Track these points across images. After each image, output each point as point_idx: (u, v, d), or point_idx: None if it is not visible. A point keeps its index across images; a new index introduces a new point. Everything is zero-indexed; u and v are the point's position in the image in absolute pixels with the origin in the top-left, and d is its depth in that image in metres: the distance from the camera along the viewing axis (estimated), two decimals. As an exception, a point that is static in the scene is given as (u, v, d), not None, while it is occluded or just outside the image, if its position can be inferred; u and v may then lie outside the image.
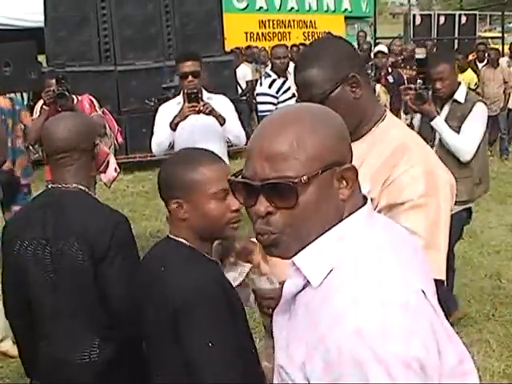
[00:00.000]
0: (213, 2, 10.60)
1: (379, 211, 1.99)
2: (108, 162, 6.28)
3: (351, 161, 1.37)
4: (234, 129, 4.92)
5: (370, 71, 8.96)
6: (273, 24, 18.69)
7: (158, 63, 9.96)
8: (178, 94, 5.15)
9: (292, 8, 19.19)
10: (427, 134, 4.29)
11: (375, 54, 9.11)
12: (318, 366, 1.22)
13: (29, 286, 2.51)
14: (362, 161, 2.01)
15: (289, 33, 18.83)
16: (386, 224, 1.43)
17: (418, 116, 4.84)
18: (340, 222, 1.33)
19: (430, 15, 21.83)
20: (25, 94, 11.04)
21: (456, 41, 20.28)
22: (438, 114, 4.50)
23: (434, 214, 2.06)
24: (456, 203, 4.20)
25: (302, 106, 1.47)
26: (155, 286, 2.03)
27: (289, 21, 19.01)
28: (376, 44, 14.14)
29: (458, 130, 4.44)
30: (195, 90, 4.66)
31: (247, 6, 18.18)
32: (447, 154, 4.32)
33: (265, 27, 18.52)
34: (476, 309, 5.32)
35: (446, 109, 4.56)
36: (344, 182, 1.33)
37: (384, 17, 44.60)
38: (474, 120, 4.47)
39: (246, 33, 17.82)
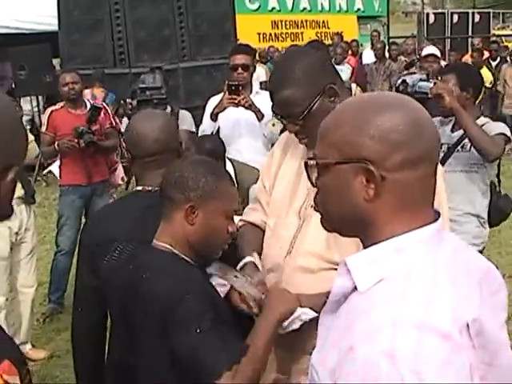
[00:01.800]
0: (225, 3, 10.58)
1: None
2: (116, 169, 6.36)
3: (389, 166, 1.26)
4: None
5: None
6: (285, 25, 18.70)
7: (172, 65, 9.95)
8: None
9: (304, 8, 19.19)
10: None
11: (424, 58, 8.08)
12: (343, 374, 1.19)
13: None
14: None
15: (301, 33, 18.82)
16: (455, 248, 1.34)
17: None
18: (364, 223, 1.30)
19: (444, 14, 21.76)
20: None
21: (470, 39, 20.19)
22: None
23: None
24: None
25: (364, 97, 1.42)
26: (137, 290, 2.00)
27: (301, 21, 19.02)
28: (390, 44, 14.08)
29: None
30: (236, 83, 4.68)
31: (259, 6, 18.20)
32: None
33: (277, 28, 18.53)
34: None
35: None
36: (368, 181, 1.27)
37: (396, 16, 44.41)
38: None
39: (259, 34, 17.83)
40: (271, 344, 2.01)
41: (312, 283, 2.22)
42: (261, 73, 12.25)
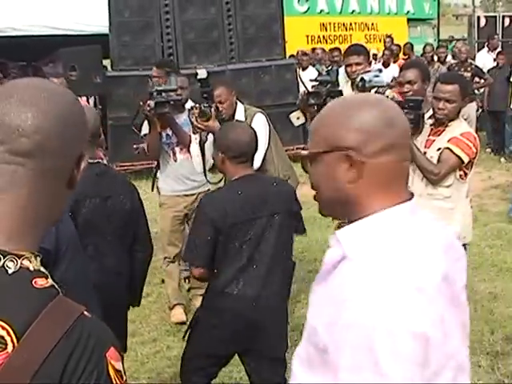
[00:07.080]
0: (274, 5, 10.61)
1: None
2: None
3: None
4: None
5: None
6: (334, 27, 18.63)
7: (220, 67, 10.02)
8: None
9: (353, 11, 19.09)
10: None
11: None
12: (337, 327, 1.37)
13: None
14: None
15: (350, 35, 18.72)
16: (426, 221, 1.58)
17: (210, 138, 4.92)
18: (350, 203, 1.51)
19: (495, 17, 21.38)
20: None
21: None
22: None
23: None
24: None
25: (346, 98, 1.72)
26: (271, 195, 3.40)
27: (350, 23, 18.91)
28: (439, 47, 13.91)
29: None
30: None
31: (308, 9, 18.17)
32: None
33: (326, 30, 18.48)
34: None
35: None
36: (351, 166, 1.50)
37: (447, 18, 43.81)
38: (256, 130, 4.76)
39: (308, 36, 17.81)
40: None
41: None
42: (314, 76, 12.25)
